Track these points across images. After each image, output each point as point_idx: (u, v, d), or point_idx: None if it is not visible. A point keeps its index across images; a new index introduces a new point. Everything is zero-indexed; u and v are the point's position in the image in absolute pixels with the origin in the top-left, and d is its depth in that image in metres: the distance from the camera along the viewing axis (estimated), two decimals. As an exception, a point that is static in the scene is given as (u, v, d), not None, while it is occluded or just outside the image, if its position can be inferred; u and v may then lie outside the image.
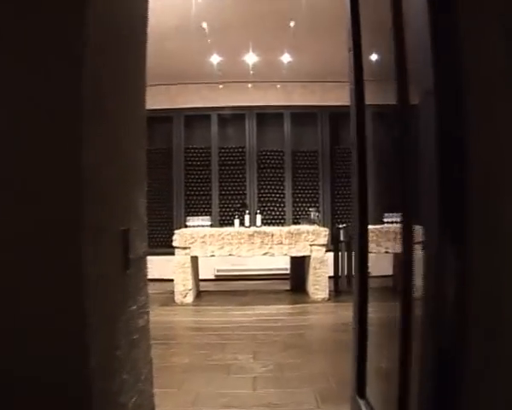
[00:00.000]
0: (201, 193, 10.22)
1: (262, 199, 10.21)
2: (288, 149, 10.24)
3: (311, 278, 8.09)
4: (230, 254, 8.02)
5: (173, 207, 10.16)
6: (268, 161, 10.23)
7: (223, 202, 10.19)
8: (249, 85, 9.94)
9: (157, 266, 10.62)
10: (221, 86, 9.95)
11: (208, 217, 8.64)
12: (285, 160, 10.24)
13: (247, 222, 8.41)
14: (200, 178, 10.21)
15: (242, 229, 8.18)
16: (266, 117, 10.29)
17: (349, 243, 8.55)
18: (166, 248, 9.92)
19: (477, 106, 1.31)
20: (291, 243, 8.06)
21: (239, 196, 10.19)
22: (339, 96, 10.48)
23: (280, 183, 10.22)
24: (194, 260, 8.10)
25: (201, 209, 10.19)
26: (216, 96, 10.18)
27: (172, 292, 8.04)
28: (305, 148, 10.34)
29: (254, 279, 9.92)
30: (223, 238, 7.93)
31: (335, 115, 10.27)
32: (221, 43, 7.81)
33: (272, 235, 8.05)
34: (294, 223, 10.11)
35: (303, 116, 10.33)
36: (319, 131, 10.29)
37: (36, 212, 1.58)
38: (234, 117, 10.28)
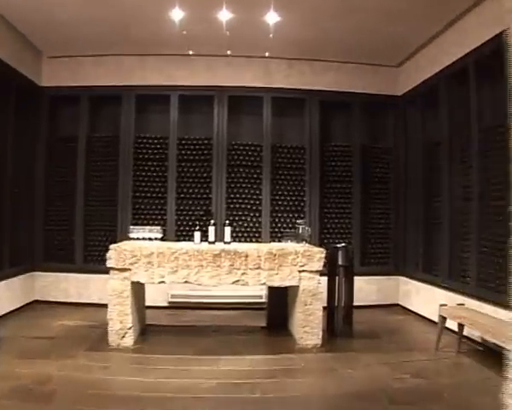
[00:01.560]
0: (154, 196, 7.79)
1: (232, 206, 7.83)
2: (267, 143, 7.87)
3: (298, 317, 5.75)
4: (187, 281, 5.62)
5: (118, 213, 7.72)
6: (241, 158, 7.87)
7: (181, 208, 7.77)
8: (223, 57, 7.64)
9: (95, 287, 7.87)
10: (185, 57, 7.62)
11: (159, 227, 6.26)
12: (263, 157, 7.87)
13: (211, 236, 6.04)
14: (152, 175, 7.78)
15: (205, 246, 5.83)
16: (241, 101, 7.93)
17: (349, 269, 6.30)
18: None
19: None
20: (272, 269, 5.70)
21: (202, 202, 7.79)
22: (333, 79, 8.23)
23: (256, 186, 7.87)
24: (138, 285, 5.72)
25: (153, 217, 7.77)
26: (177, 71, 7.80)
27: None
28: (288, 142, 8.01)
29: (220, 308, 7.54)
30: (177, 258, 5.53)
31: (328, 104, 8.03)
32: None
33: (246, 256, 5.67)
34: (273, 239, 7.78)
35: (287, 102, 8.01)
36: (307, 123, 7.98)
37: None
38: (199, 99, 7.86)
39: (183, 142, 7.78)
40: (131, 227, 6.11)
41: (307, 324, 5.73)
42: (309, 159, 7.91)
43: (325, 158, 7.99)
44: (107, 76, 7.77)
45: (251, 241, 7.66)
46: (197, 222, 6.37)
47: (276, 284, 5.73)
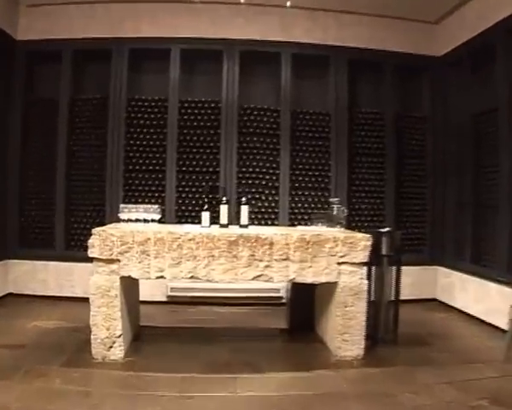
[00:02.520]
0: (150, 169, 6.31)
1: (244, 182, 6.38)
2: (285, 108, 6.38)
3: (334, 322, 4.36)
4: (193, 276, 4.20)
5: (106, 189, 6.26)
6: (255, 125, 6.38)
7: (183, 183, 6.31)
8: (233, 5, 6.17)
9: (80, 277, 6.17)
10: (188, 4, 6.19)
11: (156, 207, 4.81)
12: (281, 124, 6.39)
13: (223, 218, 4.63)
14: (149, 145, 6.29)
15: (216, 230, 4.38)
16: (255, 57, 6.42)
17: (396, 259, 4.91)
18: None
19: None
20: (305, 260, 4.29)
21: (208, 176, 6.34)
22: (362, 35, 6.58)
23: (272, 158, 6.41)
24: (131, 279, 4.34)
25: (149, 194, 6.30)
26: (179, 21, 6.29)
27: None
28: (310, 107, 6.52)
29: (228, 304, 6.15)
30: (180, 246, 4.10)
31: (356, 64, 6.58)
32: None
33: (271, 243, 4.25)
34: (292, 222, 6.39)
35: (309, 60, 6.52)
36: (332, 85, 6.51)
37: None
38: (205, 55, 6.37)
39: (186, 105, 6.28)
40: (122, 206, 4.67)
41: (347, 330, 4.34)
42: (334, 127, 6.45)
43: (354, 127, 6.56)
44: (94, 27, 6.25)
45: (266, 224, 6.26)
46: (206, 199, 4.91)
47: (309, 279, 4.33)
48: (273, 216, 6.32)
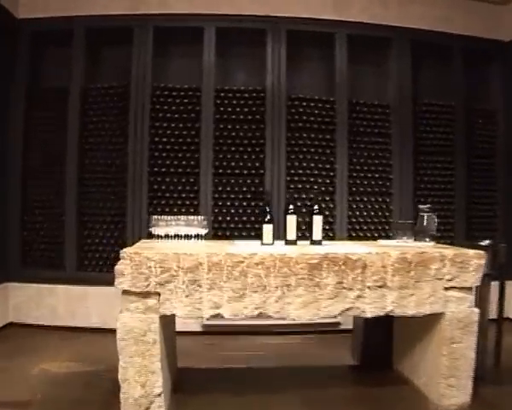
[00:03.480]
0: (180, 171, 4.99)
1: (293, 186, 5.09)
2: (341, 98, 5.11)
3: (438, 363, 3.08)
4: (261, 313, 2.97)
5: (128, 197, 4.98)
6: (304, 118, 5.10)
7: (219, 189, 5.00)
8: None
9: (95, 303, 4.72)
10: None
11: (202, 218, 3.55)
12: (337, 116, 5.13)
13: (291, 232, 3.39)
14: (178, 142, 4.98)
15: (284, 249, 3.14)
16: (304, 38, 5.17)
17: (499, 278, 3.69)
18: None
19: None
20: (405, 286, 3.05)
21: (250, 179, 5.06)
22: (429, 14, 5.23)
23: (324, 157, 5.12)
24: (168, 319, 3.07)
25: (178, 202, 4.98)
26: (214, -6, 5.12)
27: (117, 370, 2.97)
28: (368, 98, 5.26)
29: (273, 333, 4.89)
30: (244, 273, 2.83)
31: (420, 47, 5.31)
32: None
33: (364, 266, 3.07)
34: (349, 233, 5.17)
35: (367, 43, 5.25)
36: (393, 72, 5.25)
37: None
38: (246, 35, 5.09)
39: (222, 95, 4.99)
40: (155, 218, 3.42)
41: (453, 373, 3.08)
42: (396, 122, 5.23)
43: (418, 121, 5.34)
44: (111, 1, 5.04)
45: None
46: (267, 209, 3.62)
47: (411, 311, 3.05)
48: (327, 227, 5.06)
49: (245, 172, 5.05)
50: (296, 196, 5.03)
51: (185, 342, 4.33)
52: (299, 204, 4.98)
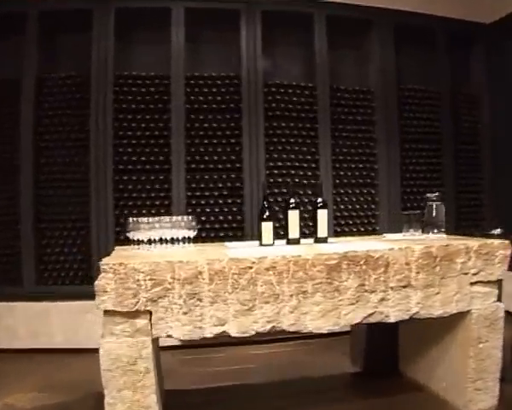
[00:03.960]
0: (148, 167, 4.34)
1: (273, 181, 4.56)
2: (322, 84, 4.64)
3: (463, 365, 2.68)
4: (275, 326, 2.43)
5: (91, 198, 4.30)
6: (282, 106, 4.57)
7: (193, 185, 4.40)
8: None
9: (60, 322, 3.98)
10: None
11: (189, 219, 2.99)
12: (318, 103, 4.64)
13: (293, 230, 2.90)
14: (146, 136, 4.34)
15: (300, 250, 2.57)
16: (280, 21, 4.62)
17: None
18: (80, 284, 4.41)
19: None
20: (431, 285, 2.61)
21: (225, 174, 4.49)
22: None
23: (308, 146, 4.62)
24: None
25: (147, 203, 4.34)
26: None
27: (96, 399, 2.44)
28: (350, 83, 4.80)
29: (261, 341, 4.36)
30: (253, 281, 2.28)
31: (403, 30, 4.86)
32: None
33: (387, 264, 2.61)
34: (336, 227, 4.72)
35: (348, 25, 4.79)
36: (375, 55, 4.81)
37: None
38: (218, 17, 4.48)
39: (193, 82, 4.41)
40: (134, 221, 2.82)
41: (480, 375, 2.69)
42: (380, 108, 4.83)
43: (402, 107, 4.95)
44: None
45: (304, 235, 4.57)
46: (265, 203, 3.07)
47: (437, 312, 2.61)
48: (311, 223, 4.58)
49: (220, 166, 4.49)
50: (276, 190, 4.56)
51: (166, 358, 3.74)
52: (279, 199, 4.51)
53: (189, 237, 2.80)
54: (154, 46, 4.44)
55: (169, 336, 2.23)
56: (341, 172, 4.70)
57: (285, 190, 4.52)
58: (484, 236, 3.12)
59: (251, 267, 2.29)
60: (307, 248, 2.62)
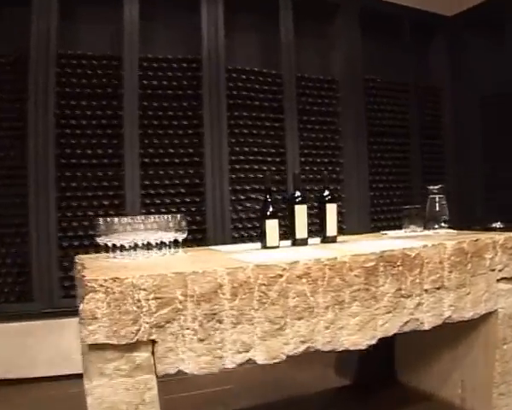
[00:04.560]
0: (95, 162, 3.58)
1: (234, 177, 4.00)
2: (287, 72, 4.15)
3: (486, 369, 2.31)
4: (310, 347, 1.89)
5: (28, 198, 3.42)
6: (245, 93, 4.02)
7: (146, 182, 3.68)
8: None
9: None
10: None
11: (179, 217, 2.40)
12: (284, 92, 4.16)
13: (301, 229, 2.38)
14: (92, 125, 3.57)
15: (324, 252, 2.07)
16: (243, 2, 4.01)
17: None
18: (16, 302, 3.60)
19: None
20: (462, 284, 2.23)
21: (182, 169, 3.84)
22: None
23: (266, 141, 4.11)
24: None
25: (94, 203, 3.56)
26: None
27: None
28: (314, 72, 4.38)
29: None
30: (283, 292, 1.71)
31: (370, 15, 4.47)
32: None
33: (422, 264, 2.18)
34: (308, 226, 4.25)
35: (314, 10, 4.32)
36: (342, 43, 4.41)
37: None
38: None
39: (146, 64, 3.72)
40: (105, 222, 2.13)
41: (505, 379, 2.34)
42: (346, 99, 4.45)
43: (368, 99, 4.55)
44: None
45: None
46: (268, 197, 2.50)
47: (468, 314, 2.21)
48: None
49: (176, 160, 3.85)
50: (238, 187, 4.03)
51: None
52: (253, 196, 3.98)
53: (176, 241, 2.20)
54: (104, 23, 3.67)
55: (180, 371, 1.63)
56: (307, 167, 4.26)
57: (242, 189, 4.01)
58: (484, 230, 2.82)
59: (281, 275, 1.75)
60: (333, 250, 2.12)
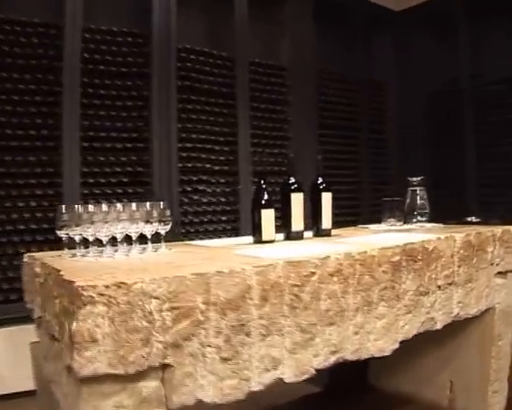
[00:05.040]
0: (27, 144, 2.92)
1: (182, 166, 3.56)
2: (243, 57, 3.79)
3: (480, 367, 2.15)
4: (340, 356, 1.56)
5: None
6: (194, 76, 3.58)
7: (85, 170, 3.12)
8: None
9: None
10: None
11: (162, 204, 1.94)
12: (237, 76, 3.78)
13: (298, 221, 2.07)
14: (25, 101, 2.91)
15: (341, 247, 1.78)
16: None
17: None
18: None
19: None
20: (469, 279, 2.04)
21: (123, 155, 3.31)
22: None
23: (215, 129, 3.72)
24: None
25: (25, 192, 2.95)
26: None
27: None
28: (267, 58, 4.01)
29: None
30: (315, 293, 1.37)
31: (323, 3, 4.20)
32: None
33: (438, 258, 1.93)
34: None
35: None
36: (293, 31, 4.12)
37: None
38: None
39: (88, 36, 3.12)
40: (70, 210, 1.65)
41: (497, 375, 2.20)
42: (295, 88, 4.09)
43: (318, 89, 4.28)
44: None
45: (218, 231, 3.67)
46: (261, 182, 2.05)
47: (472, 311, 2.01)
48: (232, 217, 3.72)
49: (118, 146, 3.33)
50: (195, 178, 3.60)
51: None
52: (201, 188, 3.57)
53: (158, 234, 1.76)
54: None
55: (199, 400, 1.22)
56: (256, 158, 3.93)
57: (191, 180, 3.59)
58: (461, 223, 2.69)
59: (313, 273, 1.41)
60: (343, 243, 1.82)
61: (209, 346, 1.21)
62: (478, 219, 2.84)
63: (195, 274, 1.20)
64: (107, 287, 1.07)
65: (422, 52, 4.59)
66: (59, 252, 1.70)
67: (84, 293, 1.05)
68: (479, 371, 2.26)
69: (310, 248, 1.70)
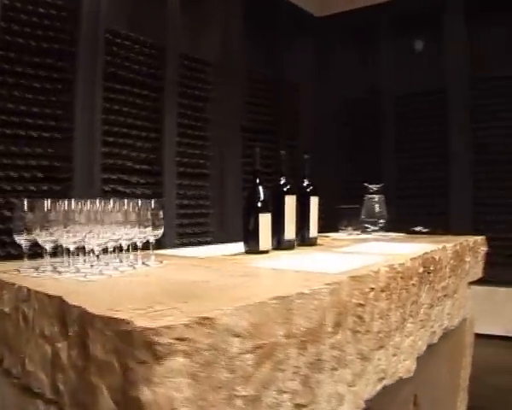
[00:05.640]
0: None
1: (105, 163, 3.01)
2: (174, 48, 3.35)
3: (455, 380, 2.13)
4: (385, 384, 1.30)
5: None
6: (126, 65, 3.07)
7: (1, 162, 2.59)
8: None
9: None
10: None
11: (155, 201, 1.45)
12: (166, 75, 3.33)
13: (290, 229, 1.74)
14: None
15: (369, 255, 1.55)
16: None
17: None
18: None
19: None
20: (455, 290, 1.90)
21: (40, 142, 2.73)
22: None
23: (136, 123, 3.24)
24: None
25: None
26: None
27: None
28: (192, 51, 3.66)
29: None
30: (371, 311, 1.14)
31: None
32: None
33: (441, 268, 1.76)
34: (179, 228, 3.46)
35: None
36: (218, 21, 3.78)
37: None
38: None
39: (7, 2, 2.44)
40: (35, 205, 1.14)
41: (464, 385, 2.23)
42: (221, 85, 3.80)
43: (241, 90, 4.01)
44: None
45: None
46: (257, 181, 1.64)
47: (455, 322, 1.93)
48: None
49: (34, 134, 2.71)
50: (118, 176, 3.08)
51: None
52: (125, 190, 3.07)
53: (148, 242, 1.35)
54: None
55: None
56: (185, 159, 3.54)
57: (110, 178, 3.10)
58: (408, 232, 2.65)
59: (372, 290, 1.16)
60: (350, 254, 1.60)
61: (285, 392, 0.90)
62: (426, 229, 2.85)
63: (276, 298, 0.87)
64: (187, 327, 0.70)
65: (340, 60, 4.62)
66: (15, 263, 1.20)
67: (160, 340, 0.67)
68: (447, 382, 2.20)
69: (325, 261, 1.45)
